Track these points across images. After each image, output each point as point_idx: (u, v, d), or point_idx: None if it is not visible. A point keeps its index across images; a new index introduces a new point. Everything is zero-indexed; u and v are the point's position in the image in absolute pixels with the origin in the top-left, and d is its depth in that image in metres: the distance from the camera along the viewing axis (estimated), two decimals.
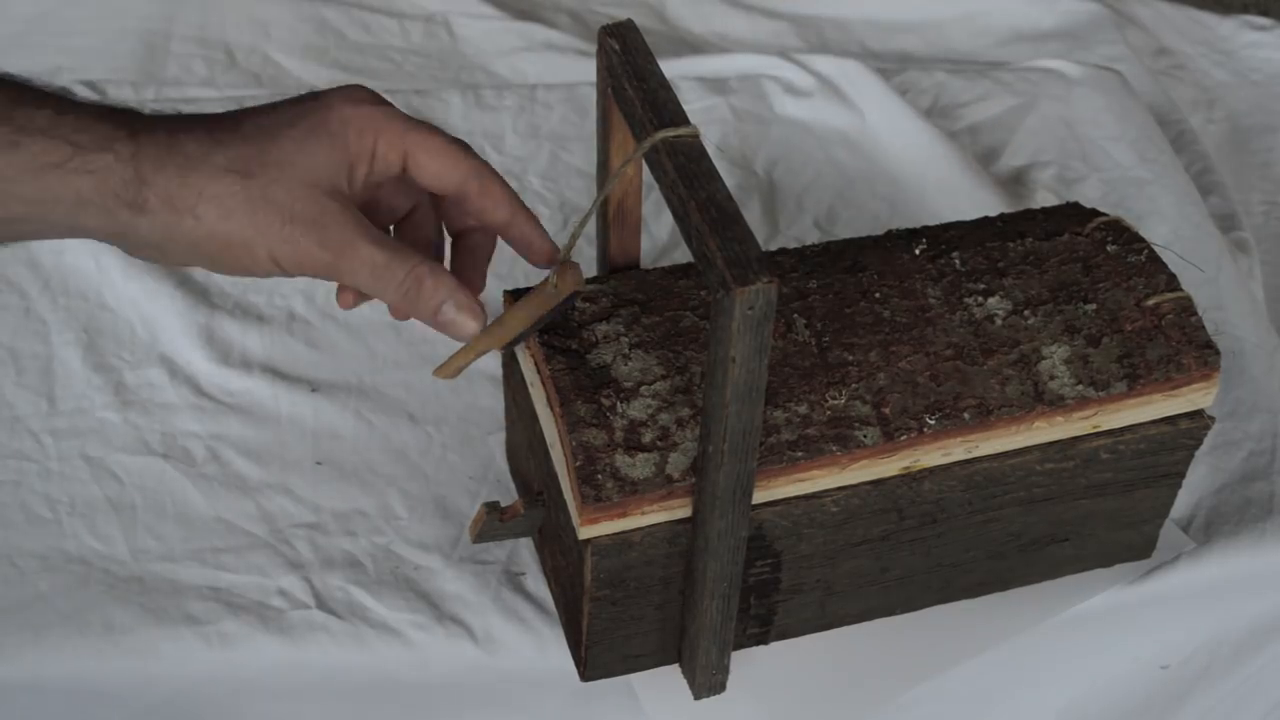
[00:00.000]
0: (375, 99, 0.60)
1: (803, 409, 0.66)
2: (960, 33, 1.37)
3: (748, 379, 0.57)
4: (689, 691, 0.72)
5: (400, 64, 1.29)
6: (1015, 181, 1.08)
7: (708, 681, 0.71)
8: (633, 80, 0.62)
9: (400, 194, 0.65)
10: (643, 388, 0.66)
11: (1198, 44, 1.39)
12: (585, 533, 0.64)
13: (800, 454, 0.65)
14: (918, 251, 0.73)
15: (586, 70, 1.23)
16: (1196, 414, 0.72)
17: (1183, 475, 0.75)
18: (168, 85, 1.15)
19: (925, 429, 0.66)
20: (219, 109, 0.61)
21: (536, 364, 0.67)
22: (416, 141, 0.60)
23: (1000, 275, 0.72)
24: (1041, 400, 0.68)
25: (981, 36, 1.36)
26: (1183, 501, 0.82)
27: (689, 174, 0.58)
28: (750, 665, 0.73)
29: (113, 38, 1.28)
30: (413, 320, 0.92)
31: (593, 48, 1.26)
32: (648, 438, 0.64)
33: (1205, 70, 1.37)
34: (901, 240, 0.74)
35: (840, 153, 1.09)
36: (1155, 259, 0.73)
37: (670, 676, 0.73)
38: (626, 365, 0.67)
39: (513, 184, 1.03)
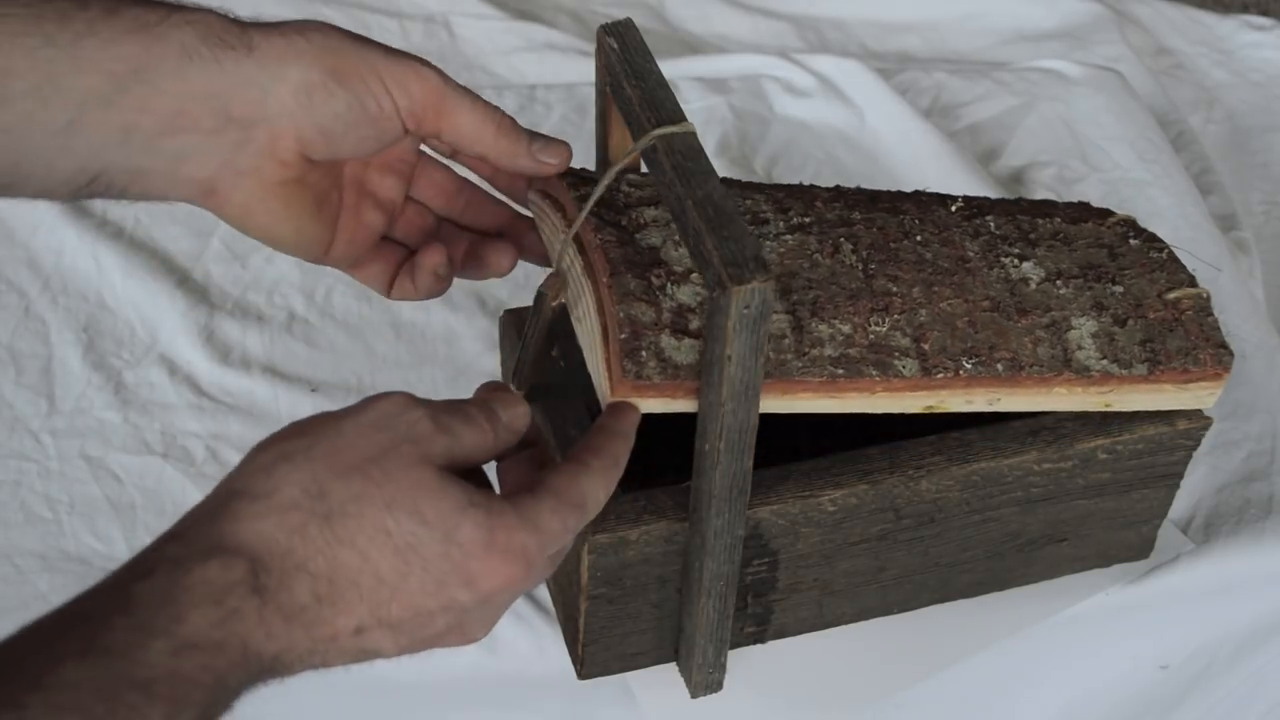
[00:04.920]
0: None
1: (846, 328, 0.65)
2: (960, 33, 1.37)
3: (744, 377, 0.57)
4: (686, 690, 0.72)
5: None
6: (1015, 181, 1.08)
7: (705, 680, 0.71)
8: (631, 79, 0.62)
9: (393, 177, 0.65)
10: (693, 275, 0.63)
11: (1197, 44, 1.39)
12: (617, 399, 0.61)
13: (841, 371, 0.63)
14: (953, 209, 0.73)
15: (586, 70, 1.23)
16: (1195, 415, 0.72)
17: (1180, 476, 0.75)
18: None
19: (962, 371, 0.66)
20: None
21: (582, 234, 0.64)
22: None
23: (1032, 245, 0.72)
24: (1069, 367, 0.67)
25: (981, 36, 1.36)
26: (1182, 502, 0.82)
27: (686, 172, 0.58)
28: (747, 664, 0.73)
29: None
30: (412, 320, 0.93)
31: (592, 48, 1.26)
32: (695, 324, 0.62)
33: (1205, 70, 1.37)
34: (935, 199, 0.74)
35: (840, 152, 1.09)
36: (1174, 258, 0.73)
37: (667, 675, 0.73)
38: (677, 250, 0.64)
39: None
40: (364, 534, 0.49)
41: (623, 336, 0.60)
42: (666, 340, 0.61)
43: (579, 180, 0.66)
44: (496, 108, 0.61)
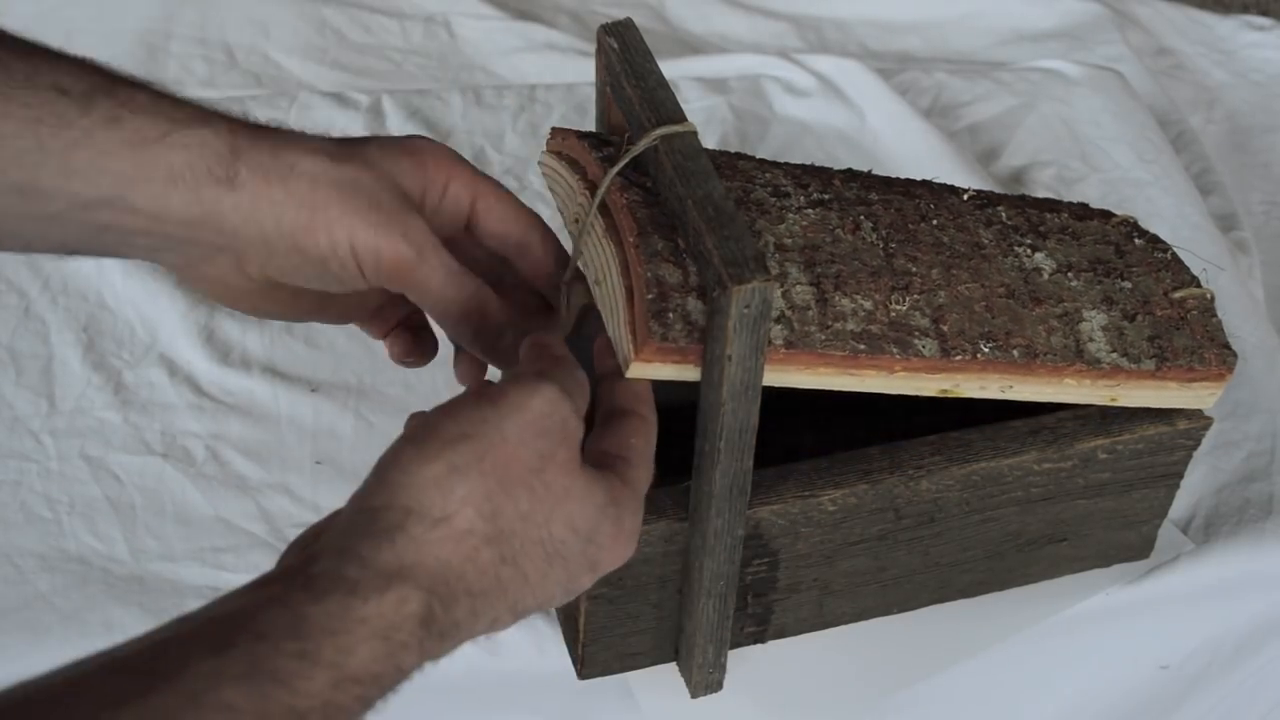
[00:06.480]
0: (450, 150, 0.62)
1: (868, 304, 0.64)
2: (960, 33, 1.37)
3: (744, 377, 0.57)
4: (686, 690, 0.72)
5: (400, 64, 1.29)
6: (1015, 181, 1.08)
7: (704, 680, 0.71)
8: (631, 79, 0.62)
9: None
10: None
11: (1198, 44, 1.39)
12: (636, 370, 0.60)
13: (863, 347, 0.63)
14: (965, 197, 0.73)
15: (586, 70, 1.23)
16: (1195, 415, 0.72)
17: (1180, 476, 0.75)
18: (168, 85, 1.16)
19: (979, 355, 0.65)
20: (220, 107, 0.61)
21: (606, 195, 0.63)
22: (486, 189, 0.61)
23: (1042, 237, 0.72)
24: (1081, 358, 0.67)
25: (981, 36, 1.36)
26: (1182, 502, 0.82)
27: (686, 172, 0.58)
28: (747, 664, 0.73)
29: (113, 38, 1.29)
30: None
31: (592, 48, 1.26)
32: None
33: (1205, 70, 1.37)
34: (946, 187, 0.74)
35: (840, 152, 1.10)
36: (1178, 259, 0.73)
37: (667, 675, 0.73)
38: None
39: (512, 184, 1.04)
40: (524, 550, 0.51)
41: (650, 297, 0.59)
42: (694, 304, 0.59)
43: (599, 142, 0.65)
44: (472, 290, 0.60)
